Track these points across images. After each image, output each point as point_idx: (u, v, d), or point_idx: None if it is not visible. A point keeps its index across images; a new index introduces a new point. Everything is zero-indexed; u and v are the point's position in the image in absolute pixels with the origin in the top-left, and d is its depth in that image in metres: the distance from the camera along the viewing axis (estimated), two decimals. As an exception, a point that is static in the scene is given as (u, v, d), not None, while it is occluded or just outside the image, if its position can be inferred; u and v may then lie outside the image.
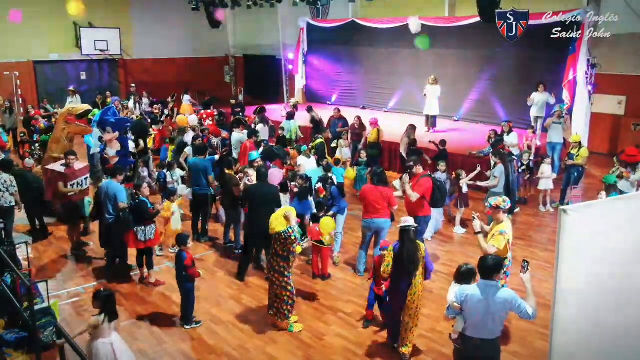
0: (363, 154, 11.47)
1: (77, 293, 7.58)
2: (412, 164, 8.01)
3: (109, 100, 17.18)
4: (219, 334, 6.55)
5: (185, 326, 6.70)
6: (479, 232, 5.92)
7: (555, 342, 4.13)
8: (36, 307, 5.82)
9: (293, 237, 6.29)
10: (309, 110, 14.58)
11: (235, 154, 11.84)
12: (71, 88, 18.44)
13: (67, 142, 10.17)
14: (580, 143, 10.43)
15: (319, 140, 11.64)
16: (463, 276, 4.97)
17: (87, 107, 11.06)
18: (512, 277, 6.08)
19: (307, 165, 9.81)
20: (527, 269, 4.70)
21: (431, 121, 14.83)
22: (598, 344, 4.28)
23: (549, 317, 4.12)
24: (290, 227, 6.32)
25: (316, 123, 14.07)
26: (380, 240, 7.51)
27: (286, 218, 6.40)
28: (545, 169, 10.45)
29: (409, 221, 5.86)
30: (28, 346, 5.82)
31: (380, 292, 6.46)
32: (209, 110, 15.80)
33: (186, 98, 17.86)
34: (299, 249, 6.52)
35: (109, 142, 10.84)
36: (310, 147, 11.13)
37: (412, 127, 12.23)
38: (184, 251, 6.58)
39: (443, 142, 11.30)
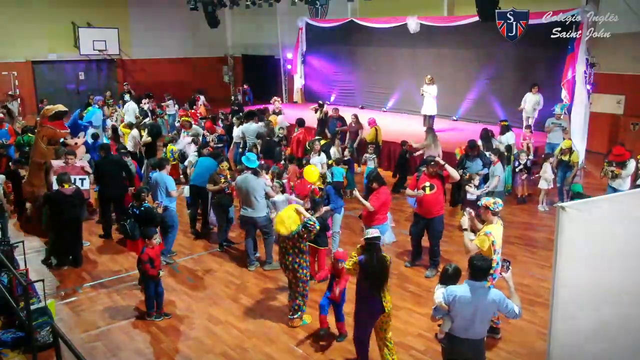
0: (347, 153, 11.41)
1: (74, 293, 7.55)
2: (444, 163, 7.76)
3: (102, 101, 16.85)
4: (216, 333, 6.52)
5: (147, 318, 6.77)
6: (465, 229, 5.87)
7: (555, 341, 4.11)
8: (33, 307, 5.82)
9: (310, 228, 6.28)
10: (321, 106, 14.47)
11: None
12: (10, 93, 18.17)
13: (46, 145, 9.70)
14: (571, 149, 10.35)
15: (325, 140, 11.51)
16: (451, 277, 4.93)
17: (59, 107, 10.20)
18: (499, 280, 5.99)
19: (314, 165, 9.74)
20: (509, 268, 4.73)
21: (429, 121, 14.78)
22: (597, 342, 4.26)
23: (549, 317, 4.10)
24: (309, 220, 6.31)
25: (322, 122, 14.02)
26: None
27: (297, 212, 6.37)
28: (548, 168, 10.40)
29: (375, 233, 5.59)
30: (24, 346, 5.80)
31: (337, 298, 6.14)
32: (192, 110, 15.65)
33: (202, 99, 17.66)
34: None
35: (75, 147, 10.43)
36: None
37: (432, 131, 11.66)
38: (146, 245, 6.60)
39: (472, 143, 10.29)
